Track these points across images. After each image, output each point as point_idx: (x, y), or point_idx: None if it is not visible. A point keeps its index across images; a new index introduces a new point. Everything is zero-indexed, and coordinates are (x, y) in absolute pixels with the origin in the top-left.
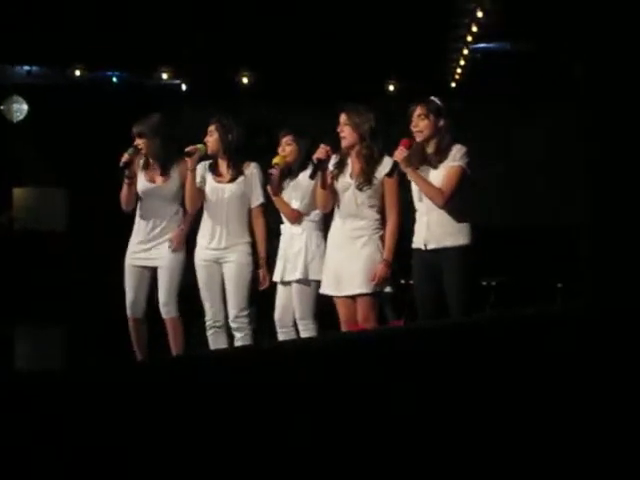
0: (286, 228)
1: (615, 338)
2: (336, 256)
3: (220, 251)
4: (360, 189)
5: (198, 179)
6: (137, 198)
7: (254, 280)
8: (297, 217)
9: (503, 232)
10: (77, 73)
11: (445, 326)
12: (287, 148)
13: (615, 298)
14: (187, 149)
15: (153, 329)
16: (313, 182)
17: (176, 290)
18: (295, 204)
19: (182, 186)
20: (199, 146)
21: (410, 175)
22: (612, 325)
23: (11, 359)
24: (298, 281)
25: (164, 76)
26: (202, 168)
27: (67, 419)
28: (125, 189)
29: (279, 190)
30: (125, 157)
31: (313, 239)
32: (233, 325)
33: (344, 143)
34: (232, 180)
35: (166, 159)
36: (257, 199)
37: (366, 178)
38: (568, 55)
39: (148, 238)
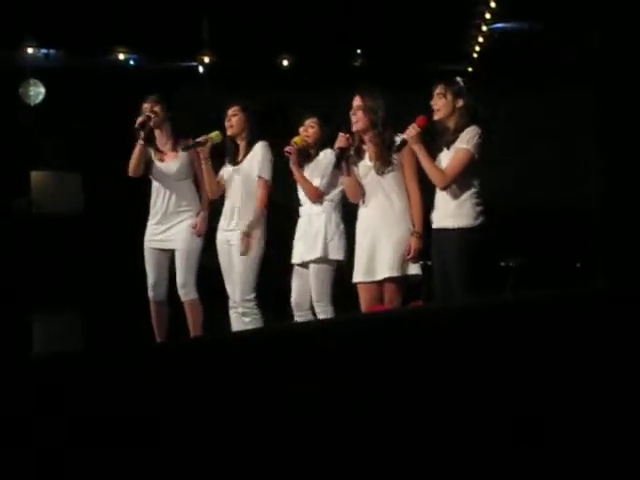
0: (305, 210)
1: (631, 320)
2: (367, 242)
3: (230, 232)
4: (381, 174)
5: (220, 174)
6: (150, 179)
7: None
8: (319, 195)
9: (522, 213)
10: (94, 56)
11: (457, 307)
12: (310, 130)
13: (629, 279)
14: (198, 139)
15: (173, 311)
16: (332, 161)
17: (194, 272)
18: (315, 182)
19: (191, 163)
20: (212, 135)
21: (417, 153)
22: (628, 308)
23: (30, 343)
24: (316, 260)
25: (181, 59)
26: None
27: (86, 402)
28: (136, 150)
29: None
30: (141, 118)
31: (333, 219)
32: (240, 310)
33: (355, 127)
34: (240, 162)
35: (174, 136)
36: (257, 172)
37: (384, 162)
38: (583, 34)
39: (163, 220)
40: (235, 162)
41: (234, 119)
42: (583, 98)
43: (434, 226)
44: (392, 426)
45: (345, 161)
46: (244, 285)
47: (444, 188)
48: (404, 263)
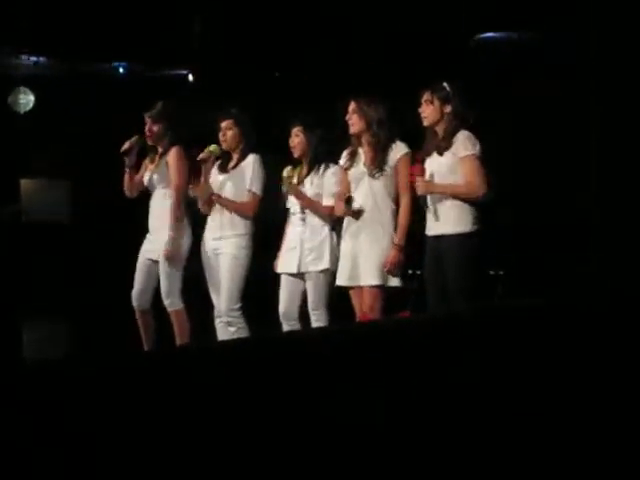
0: (296, 220)
1: (620, 327)
2: (352, 247)
3: (217, 241)
4: (373, 176)
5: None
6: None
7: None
8: (331, 211)
9: (511, 221)
10: (84, 64)
11: (448, 316)
12: (295, 139)
13: (620, 287)
14: (200, 156)
15: (163, 319)
16: (336, 177)
17: (178, 282)
18: (326, 200)
19: (169, 171)
20: (211, 149)
21: (440, 193)
22: (618, 314)
23: (19, 349)
24: (323, 271)
25: (171, 67)
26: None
27: (73, 408)
28: (125, 177)
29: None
30: (126, 145)
31: (332, 230)
32: (225, 319)
33: (351, 130)
34: (231, 170)
35: (166, 145)
36: (251, 185)
37: (377, 165)
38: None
39: (152, 229)
40: (224, 170)
41: (229, 133)
42: (570, 107)
43: (431, 233)
44: (390, 433)
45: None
46: (230, 295)
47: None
48: (386, 274)
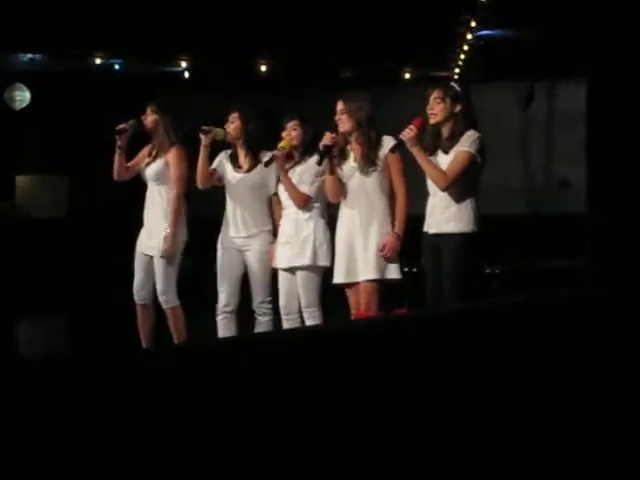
0: (289, 214)
1: (617, 325)
2: (348, 244)
3: (242, 239)
4: (365, 173)
5: (215, 164)
6: (138, 183)
7: None
8: (306, 200)
9: (506, 219)
10: (79, 61)
11: (447, 313)
12: (293, 133)
13: (615, 285)
14: (204, 127)
15: (160, 316)
16: (322, 167)
17: (173, 279)
18: (304, 188)
19: (168, 168)
20: (218, 129)
21: (416, 155)
22: (614, 312)
23: (15, 346)
24: (305, 267)
25: (167, 64)
26: (223, 155)
27: (70, 405)
28: (115, 159)
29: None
30: (121, 125)
31: (321, 225)
32: (259, 311)
33: (341, 129)
34: (250, 169)
35: (164, 141)
36: (274, 187)
37: (368, 161)
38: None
39: (148, 225)
40: (240, 168)
41: (232, 126)
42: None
43: (431, 231)
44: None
45: (328, 159)
46: (264, 288)
47: (445, 189)
48: (384, 266)
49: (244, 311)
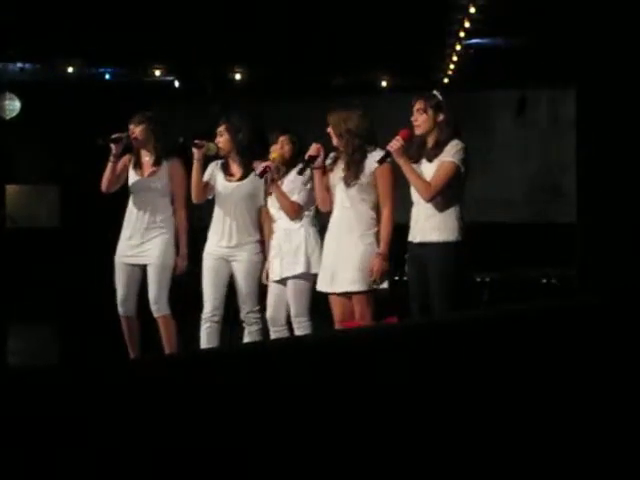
0: (280, 225)
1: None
2: (331, 252)
3: (230, 249)
4: (347, 184)
5: (207, 176)
6: (128, 193)
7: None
8: (297, 210)
9: (496, 228)
10: (70, 70)
11: (435, 323)
12: (285, 147)
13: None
14: (196, 141)
15: (148, 326)
16: (302, 176)
17: (166, 288)
18: (293, 197)
19: (171, 182)
20: (210, 144)
21: (402, 166)
22: (605, 319)
23: (4, 355)
24: (298, 276)
25: (157, 73)
26: (213, 166)
27: (59, 416)
28: (108, 168)
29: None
30: (117, 134)
31: (311, 233)
32: (247, 320)
33: (333, 142)
34: (242, 178)
35: (158, 152)
36: (264, 204)
37: (350, 173)
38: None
39: (137, 235)
40: (231, 177)
41: (222, 139)
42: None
43: (416, 241)
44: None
45: (314, 169)
46: (253, 298)
47: (429, 200)
48: (369, 277)
49: (231, 322)
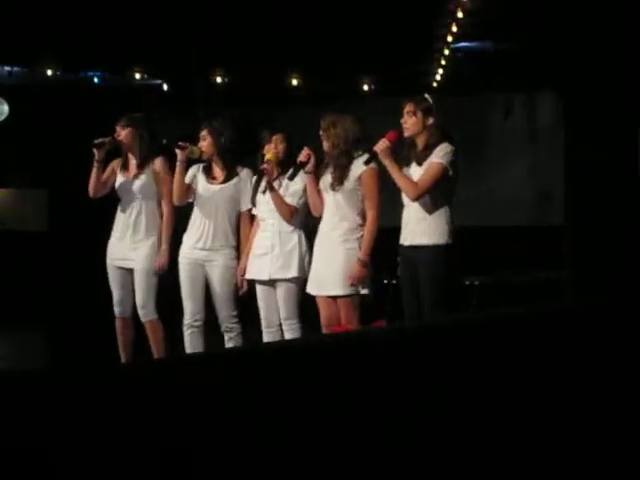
0: (269, 225)
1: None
2: (319, 255)
3: (206, 252)
4: (333, 188)
5: (188, 179)
6: (117, 197)
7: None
8: (292, 213)
9: (486, 231)
10: (58, 74)
11: (425, 327)
12: (279, 146)
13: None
14: (180, 143)
15: (140, 330)
16: (293, 181)
17: (154, 292)
18: (288, 200)
19: (156, 183)
20: (194, 148)
21: (387, 166)
22: (598, 323)
23: None
24: (289, 280)
25: (141, 76)
26: (195, 169)
27: (47, 420)
28: (93, 173)
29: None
30: (99, 139)
31: (302, 237)
32: (224, 327)
33: (323, 146)
34: (224, 182)
35: (144, 154)
36: (246, 204)
37: (336, 177)
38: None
39: (124, 238)
40: (214, 180)
41: (204, 143)
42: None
43: (406, 243)
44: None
45: (306, 174)
46: (230, 303)
47: (415, 199)
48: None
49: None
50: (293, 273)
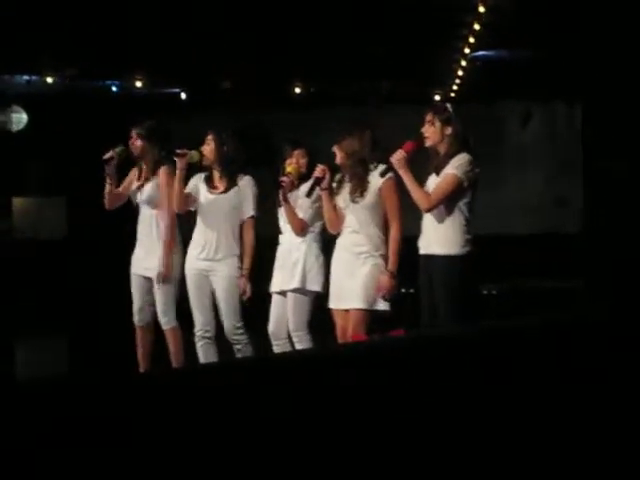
0: (285, 238)
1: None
2: (338, 271)
3: (210, 262)
4: (354, 201)
5: (189, 188)
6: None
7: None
8: (304, 227)
9: (503, 239)
10: (76, 83)
11: (442, 336)
12: (301, 161)
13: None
14: (178, 150)
15: (157, 339)
16: (311, 198)
17: (173, 300)
18: (299, 214)
19: (159, 189)
20: (192, 152)
21: (402, 176)
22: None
23: (12, 368)
24: (294, 290)
25: (163, 85)
26: (197, 178)
27: (66, 428)
28: (106, 188)
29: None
30: (109, 153)
31: (312, 250)
32: (231, 339)
33: (336, 160)
34: (225, 191)
35: (153, 164)
36: (249, 211)
37: (355, 188)
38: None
39: (142, 247)
40: (215, 189)
41: (207, 148)
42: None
43: (422, 252)
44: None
45: (321, 190)
46: (234, 314)
47: (428, 210)
48: (372, 297)
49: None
50: (295, 284)
